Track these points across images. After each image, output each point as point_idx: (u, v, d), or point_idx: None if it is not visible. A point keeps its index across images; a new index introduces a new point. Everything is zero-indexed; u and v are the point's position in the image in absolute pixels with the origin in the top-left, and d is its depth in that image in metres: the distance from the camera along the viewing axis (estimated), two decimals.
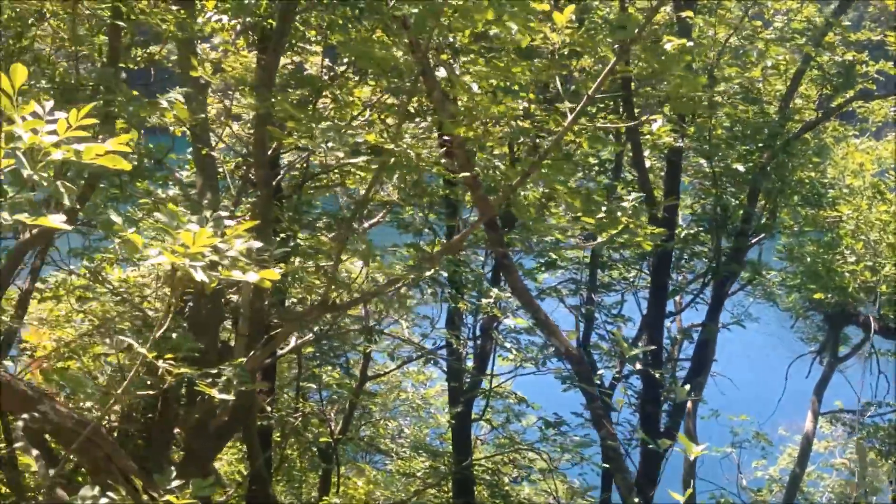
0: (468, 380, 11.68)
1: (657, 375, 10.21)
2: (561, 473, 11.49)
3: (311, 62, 9.75)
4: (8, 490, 5.42)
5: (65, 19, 7.74)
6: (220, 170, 8.63)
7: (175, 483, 3.69)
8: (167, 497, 3.65)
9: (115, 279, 10.29)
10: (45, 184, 3.63)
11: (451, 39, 6.45)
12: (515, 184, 4.82)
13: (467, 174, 5.59)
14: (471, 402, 11.59)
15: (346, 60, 9.79)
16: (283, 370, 12.00)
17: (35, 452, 4.56)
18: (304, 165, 9.44)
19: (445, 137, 5.36)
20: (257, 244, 4.07)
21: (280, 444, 10.24)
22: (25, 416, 4.95)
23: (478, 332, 11.65)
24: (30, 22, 7.70)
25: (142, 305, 8.30)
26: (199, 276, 3.80)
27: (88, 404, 6.14)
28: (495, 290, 8.52)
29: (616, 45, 5.10)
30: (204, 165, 7.71)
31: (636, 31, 4.58)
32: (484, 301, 8.04)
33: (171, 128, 8.31)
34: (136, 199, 8.06)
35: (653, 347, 9.75)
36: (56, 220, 3.30)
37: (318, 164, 10.07)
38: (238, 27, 8.47)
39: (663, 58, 4.45)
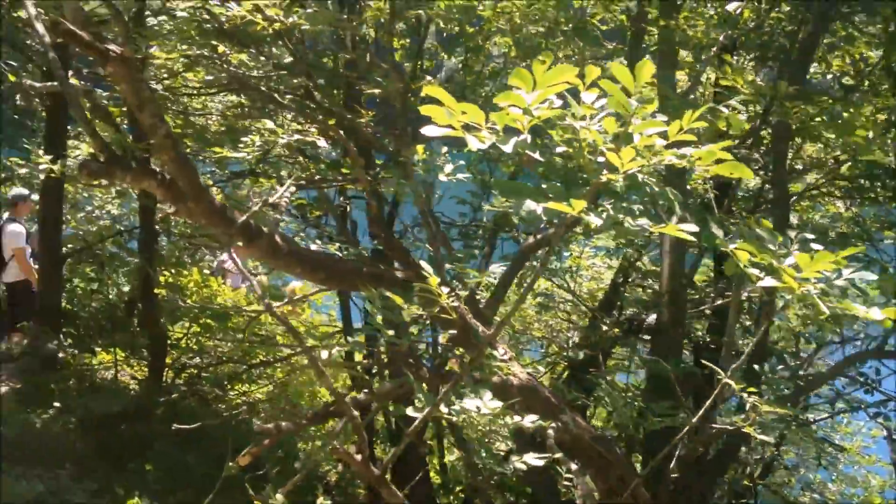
0: None
1: None
2: None
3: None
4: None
5: None
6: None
7: None
8: None
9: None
10: (656, 188, 3.39)
11: None
12: None
13: None
14: None
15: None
16: None
17: (573, 466, 4.43)
18: None
19: None
20: (870, 276, 3.51)
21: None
22: (553, 424, 4.88)
23: None
24: None
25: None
26: (823, 308, 3.36)
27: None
28: None
29: None
30: None
31: None
32: None
33: None
34: None
35: None
36: (687, 229, 3.04)
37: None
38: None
39: None
